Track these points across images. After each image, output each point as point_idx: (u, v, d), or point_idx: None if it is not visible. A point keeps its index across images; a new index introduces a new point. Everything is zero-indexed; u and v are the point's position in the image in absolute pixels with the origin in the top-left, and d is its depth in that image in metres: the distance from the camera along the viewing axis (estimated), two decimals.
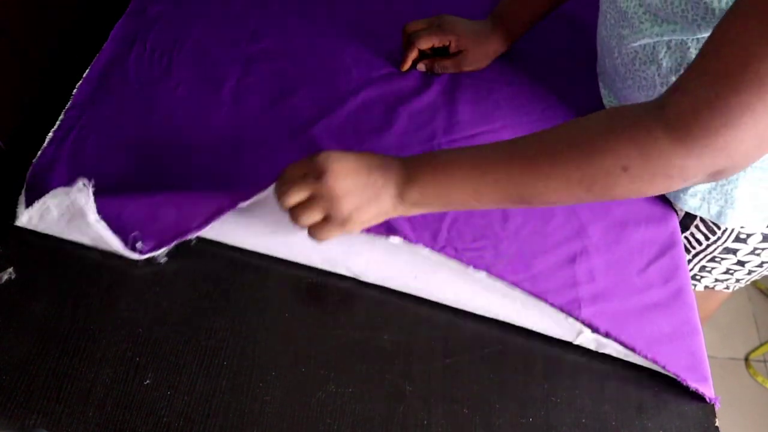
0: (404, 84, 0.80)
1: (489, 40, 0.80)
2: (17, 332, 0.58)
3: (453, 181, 0.55)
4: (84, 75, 0.76)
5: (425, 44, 0.79)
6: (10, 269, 0.61)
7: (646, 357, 0.59)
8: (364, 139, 0.73)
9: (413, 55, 0.80)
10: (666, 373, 0.59)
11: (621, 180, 0.50)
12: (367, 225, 0.58)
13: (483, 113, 0.78)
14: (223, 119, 0.74)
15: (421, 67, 0.81)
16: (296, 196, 0.56)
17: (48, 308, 0.59)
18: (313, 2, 0.88)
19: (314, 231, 0.57)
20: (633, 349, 0.60)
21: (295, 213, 0.56)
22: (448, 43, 0.80)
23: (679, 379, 0.59)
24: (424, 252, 0.62)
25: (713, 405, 0.59)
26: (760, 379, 1.48)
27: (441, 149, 0.60)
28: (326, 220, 0.56)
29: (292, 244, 0.62)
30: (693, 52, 0.57)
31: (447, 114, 0.77)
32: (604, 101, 0.78)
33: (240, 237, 0.63)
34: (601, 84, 0.77)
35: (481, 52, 0.80)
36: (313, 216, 0.56)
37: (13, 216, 0.64)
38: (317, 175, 0.55)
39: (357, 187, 0.55)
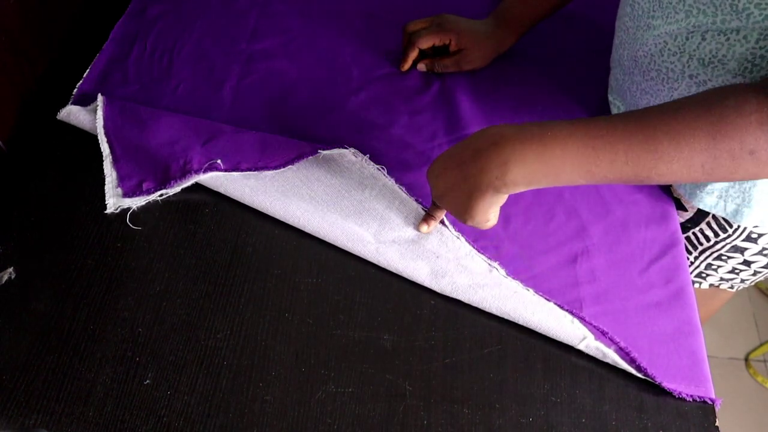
0: (404, 84, 0.80)
1: (489, 39, 0.80)
2: (17, 332, 0.58)
3: (564, 160, 0.52)
4: (84, 75, 0.76)
5: (426, 43, 0.79)
6: (10, 269, 0.61)
7: (646, 373, 0.59)
8: (364, 139, 0.73)
9: (414, 54, 0.80)
10: (663, 387, 0.59)
11: (745, 164, 0.49)
12: (491, 218, 0.58)
13: (483, 112, 0.78)
14: (223, 119, 0.74)
15: (421, 66, 0.81)
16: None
17: (48, 308, 0.59)
18: (313, 2, 0.89)
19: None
20: (634, 361, 0.60)
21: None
22: (448, 42, 0.79)
23: (675, 394, 0.59)
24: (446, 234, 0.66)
25: (713, 405, 0.59)
26: (760, 379, 1.48)
27: (545, 121, 0.54)
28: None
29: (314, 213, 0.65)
30: (733, 44, 0.56)
31: (447, 113, 0.77)
32: (610, 98, 0.78)
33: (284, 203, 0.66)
34: (611, 78, 0.77)
35: (482, 51, 0.80)
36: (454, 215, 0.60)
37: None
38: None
39: (454, 184, 0.57)
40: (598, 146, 0.51)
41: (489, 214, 0.58)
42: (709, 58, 0.58)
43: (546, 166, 0.53)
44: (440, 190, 0.59)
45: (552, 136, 0.52)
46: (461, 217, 0.59)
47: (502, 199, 0.57)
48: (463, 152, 0.56)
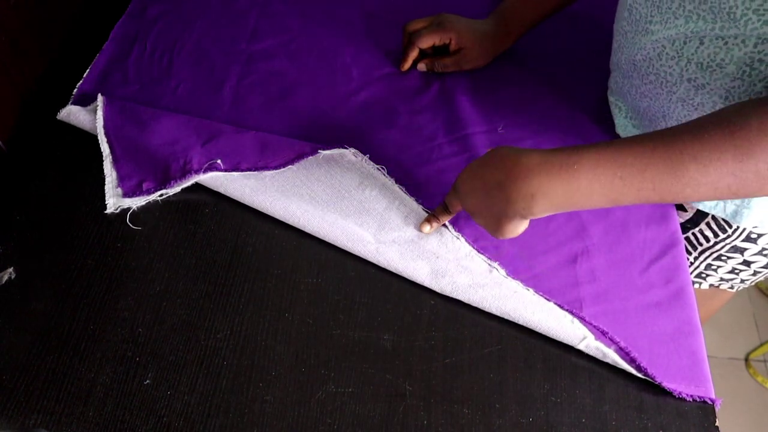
0: (404, 83, 0.80)
1: (489, 38, 0.80)
2: (17, 332, 0.58)
3: (591, 191, 0.52)
4: (84, 75, 0.76)
5: (426, 43, 0.79)
6: (10, 269, 0.61)
7: (646, 372, 0.59)
8: (364, 139, 0.73)
9: (414, 54, 0.80)
10: (664, 387, 0.59)
11: None
12: (521, 230, 0.59)
13: (484, 112, 0.78)
14: (223, 119, 0.74)
15: (421, 66, 0.81)
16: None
17: (48, 308, 0.59)
18: (313, 2, 0.89)
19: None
20: (634, 360, 0.60)
21: None
22: (448, 41, 0.79)
23: (675, 394, 0.59)
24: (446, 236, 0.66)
25: (713, 405, 0.59)
26: (760, 379, 1.48)
27: (567, 147, 0.54)
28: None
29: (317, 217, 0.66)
30: (731, 48, 0.56)
31: (447, 113, 0.77)
32: (610, 99, 0.78)
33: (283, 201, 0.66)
34: (611, 81, 0.77)
35: (482, 50, 0.80)
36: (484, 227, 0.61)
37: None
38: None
39: (483, 207, 0.58)
40: (625, 175, 0.51)
41: (518, 231, 0.60)
42: (707, 63, 0.58)
43: (573, 198, 0.53)
44: (471, 208, 0.60)
45: (579, 167, 0.52)
46: (493, 235, 0.60)
47: (525, 225, 0.59)
48: (488, 177, 0.56)
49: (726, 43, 0.56)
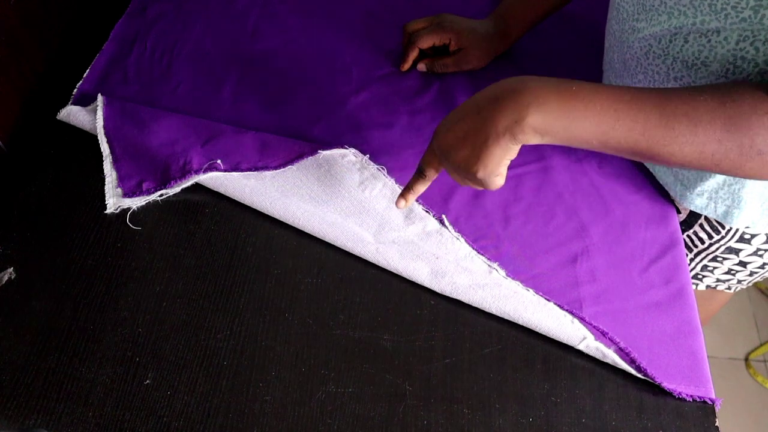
0: (404, 83, 0.80)
1: (489, 39, 0.80)
2: (17, 332, 0.58)
3: (585, 115, 0.51)
4: (84, 75, 0.76)
5: (426, 43, 0.79)
6: (10, 269, 0.61)
7: (646, 373, 0.59)
8: (364, 139, 0.73)
9: (414, 54, 0.80)
10: (663, 387, 0.59)
11: (751, 162, 0.51)
12: (502, 172, 0.56)
13: None
14: (223, 119, 0.74)
15: (421, 66, 0.81)
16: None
17: (48, 308, 0.59)
18: (313, 2, 0.89)
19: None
20: (634, 361, 0.60)
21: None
22: (448, 42, 0.80)
23: (675, 394, 0.59)
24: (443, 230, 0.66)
25: (713, 405, 0.59)
26: (760, 379, 1.48)
27: (570, 80, 0.53)
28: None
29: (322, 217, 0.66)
30: (714, 45, 0.56)
31: (447, 113, 0.77)
32: None
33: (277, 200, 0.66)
34: (604, 80, 0.77)
35: (482, 50, 0.80)
36: (464, 183, 0.59)
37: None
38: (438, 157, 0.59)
39: (465, 138, 0.55)
40: (620, 110, 0.51)
41: (502, 165, 0.56)
42: (692, 60, 0.59)
43: (566, 118, 0.52)
44: (450, 143, 0.56)
45: (577, 90, 0.52)
46: (471, 169, 0.55)
47: (515, 151, 0.55)
48: (481, 100, 0.55)
49: (709, 40, 0.56)
